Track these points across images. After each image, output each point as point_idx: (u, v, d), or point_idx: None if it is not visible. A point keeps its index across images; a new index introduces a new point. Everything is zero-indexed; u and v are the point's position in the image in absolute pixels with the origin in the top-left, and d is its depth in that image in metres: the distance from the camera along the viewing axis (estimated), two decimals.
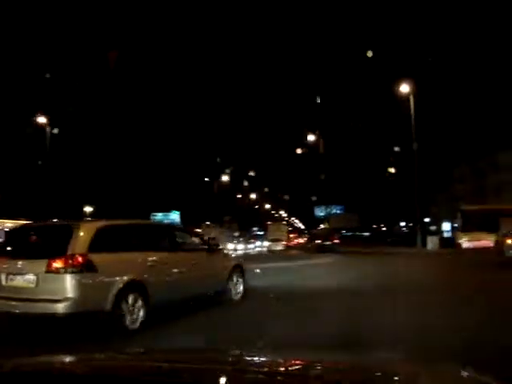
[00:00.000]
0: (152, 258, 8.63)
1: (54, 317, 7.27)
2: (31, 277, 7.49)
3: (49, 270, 7.38)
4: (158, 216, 63.39)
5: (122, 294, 7.69)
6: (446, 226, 44.94)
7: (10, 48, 36.86)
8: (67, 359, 2.54)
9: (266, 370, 2.29)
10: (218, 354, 2.94)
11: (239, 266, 11.41)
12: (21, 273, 7.59)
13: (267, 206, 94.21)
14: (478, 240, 28.59)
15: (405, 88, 37.12)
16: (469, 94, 41.89)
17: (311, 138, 57.90)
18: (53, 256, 7.45)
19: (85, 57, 41.03)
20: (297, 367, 2.32)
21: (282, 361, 2.44)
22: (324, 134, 57.20)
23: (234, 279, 10.98)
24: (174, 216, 68.39)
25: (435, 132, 43.15)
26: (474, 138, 44.49)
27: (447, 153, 48.56)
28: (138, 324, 7.87)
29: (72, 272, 7.31)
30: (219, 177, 61.93)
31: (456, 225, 33.46)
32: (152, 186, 47.64)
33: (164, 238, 9.60)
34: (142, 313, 7.96)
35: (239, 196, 77.43)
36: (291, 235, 49.33)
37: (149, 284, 8.17)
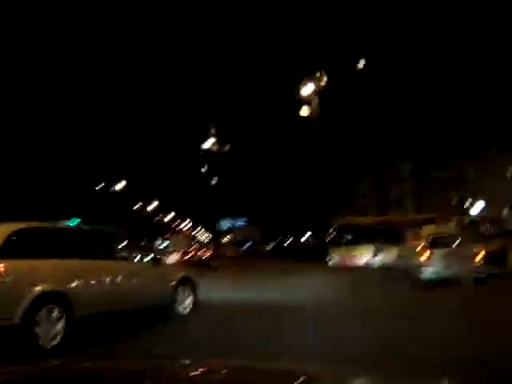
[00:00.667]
0: (79, 266, 7.75)
1: None
2: None
3: None
4: None
5: (35, 306, 6.83)
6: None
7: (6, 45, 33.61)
8: None
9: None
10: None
11: (187, 278, 10.44)
12: None
13: (169, 216, 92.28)
14: (352, 256, 24.00)
15: (309, 89, 36.02)
16: (369, 106, 42.68)
17: (209, 144, 57.96)
18: None
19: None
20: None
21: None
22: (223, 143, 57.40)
23: (180, 292, 10.06)
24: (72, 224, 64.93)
25: (339, 144, 44.02)
26: (376, 150, 45.53)
27: (351, 166, 49.68)
28: (57, 341, 6.98)
29: None
30: (112, 185, 58.89)
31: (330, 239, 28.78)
32: (46, 191, 44.67)
33: (97, 245, 8.64)
34: (61, 328, 7.06)
35: (138, 205, 74.93)
36: (192, 247, 48.26)
37: (72, 295, 7.31)
